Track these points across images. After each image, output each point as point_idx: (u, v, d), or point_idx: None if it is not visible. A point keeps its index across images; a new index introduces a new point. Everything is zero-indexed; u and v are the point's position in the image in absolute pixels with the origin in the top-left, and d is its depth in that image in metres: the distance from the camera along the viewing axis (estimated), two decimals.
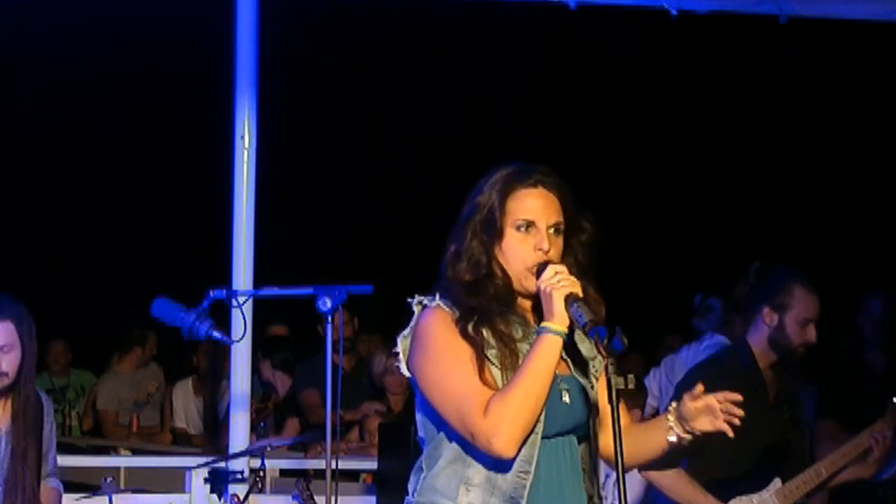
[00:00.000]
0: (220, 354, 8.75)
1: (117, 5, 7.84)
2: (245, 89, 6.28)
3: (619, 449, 2.98)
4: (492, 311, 3.12)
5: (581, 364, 3.20)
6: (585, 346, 3.21)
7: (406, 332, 3.19)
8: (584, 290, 3.11)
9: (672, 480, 4.72)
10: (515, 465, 3.07)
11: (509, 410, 3.00)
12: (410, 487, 3.22)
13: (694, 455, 4.77)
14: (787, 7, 6.47)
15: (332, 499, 4.46)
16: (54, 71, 9.84)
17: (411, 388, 3.25)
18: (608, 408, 3.04)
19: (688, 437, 3.22)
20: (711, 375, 4.87)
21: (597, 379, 3.21)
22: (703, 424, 3.21)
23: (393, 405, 7.38)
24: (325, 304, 4.45)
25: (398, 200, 10.50)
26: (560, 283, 3.05)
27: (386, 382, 7.40)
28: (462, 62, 9.90)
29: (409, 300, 3.22)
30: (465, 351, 3.08)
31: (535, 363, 3.03)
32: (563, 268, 3.09)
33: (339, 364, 4.62)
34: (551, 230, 3.15)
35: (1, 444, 4.80)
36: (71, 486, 5.47)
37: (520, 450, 3.05)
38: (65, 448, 7.96)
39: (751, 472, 4.77)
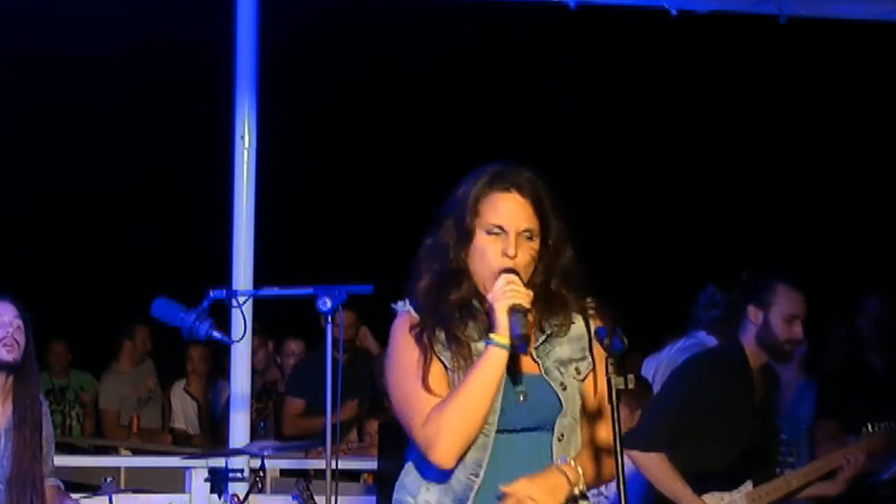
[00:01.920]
0: (215, 355, 8.78)
1: (117, 6, 7.83)
2: (245, 89, 6.29)
3: (618, 448, 2.99)
4: (451, 312, 3.15)
5: (561, 362, 3.19)
6: (571, 348, 3.21)
7: None
8: (558, 295, 3.16)
9: (653, 462, 4.79)
10: (467, 468, 3.12)
11: (446, 423, 3.05)
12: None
13: (674, 445, 4.81)
14: (787, 7, 6.48)
15: (332, 499, 4.47)
16: (54, 71, 9.83)
17: None
18: (608, 407, 3.06)
19: None
20: (704, 372, 4.91)
21: (581, 380, 3.20)
22: None
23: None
24: (325, 304, 4.45)
25: (398, 200, 10.48)
26: (505, 294, 3.07)
27: (382, 384, 7.40)
28: (462, 62, 9.89)
29: (393, 305, 3.26)
30: (415, 357, 3.13)
31: (477, 376, 3.07)
32: (514, 277, 3.10)
33: (339, 364, 4.62)
34: (522, 236, 3.15)
35: (0, 442, 4.81)
36: (71, 486, 5.47)
37: (469, 452, 3.09)
38: (65, 448, 7.98)
39: (727, 471, 4.82)
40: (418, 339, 3.13)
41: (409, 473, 3.21)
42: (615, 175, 10.29)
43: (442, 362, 3.13)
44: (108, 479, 5.75)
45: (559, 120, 10.23)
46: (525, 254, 3.15)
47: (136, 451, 8.72)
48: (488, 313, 3.12)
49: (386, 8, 7.74)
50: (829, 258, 9.57)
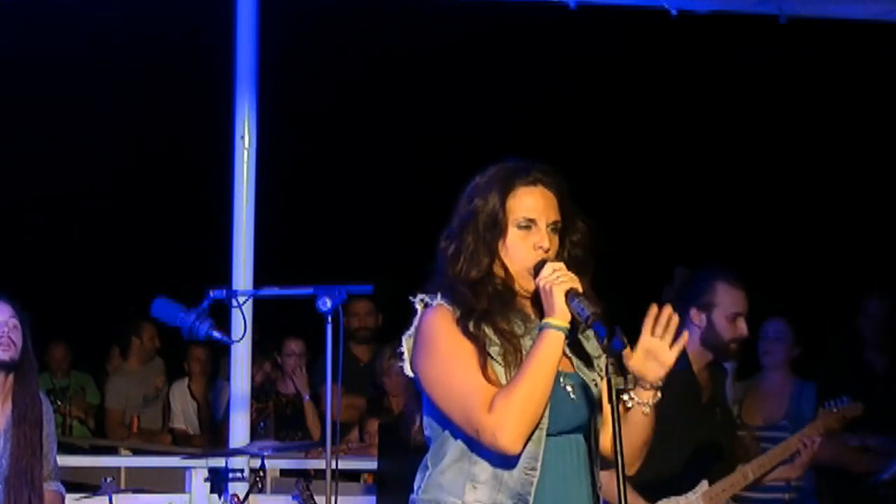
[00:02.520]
0: (215, 355, 8.78)
1: (117, 6, 7.83)
2: (245, 89, 6.29)
3: (619, 448, 2.99)
4: (492, 310, 3.14)
5: (586, 361, 3.21)
6: (590, 344, 3.23)
7: (410, 331, 3.20)
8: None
9: (606, 481, 4.71)
10: (522, 462, 3.09)
11: (514, 406, 3.02)
12: (416, 485, 3.23)
13: None
14: (787, 7, 6.48)
15: (332, 499, 4.47)
16: (53, 71, 9.83)
17: (411, 389, 3.25)
18: (609, 406, 3.06)
19: (655, 394, 3.19)
20: None
21: (601, 377, 3.21)
22: (655, 370, 3.16)
23: (393, 406, 7.38)
24: (325, 304, 4.45)
25: (398, 200, 10.49)
26: (559, 279, 3.07)
27: (385, 384, 7.40)
28: (462, 62, 9.89)
29: (412, 299, 3.23)
30: (467, 349, 3.10)
31: (538, 359, 3.05)
32: (560, 265, 3.11)
33: (339, 364, 4.62)
34: (549, 228, 3.18)
35: (0, 442, 4.81)
36: (71, 486, 5.48)
37: (525, 446, 3.07)
38: (65, 448, 7.97)
39: (680, 474, 4.74)
40: (468, 333, 3.11)
41: (445, 473, 3.14)
42: (615, 175, 10.29)
43: (491, 356, 3.11)
44: (108, 479, 5.75)
45: (559, 120, 10.23)
46: (554, 247, 3.18)
47: (136, 451, 8.72)
48: (535, 301, 3.14)
49: (385, 8, 7.74)
50: (829, 259, 9.57)
